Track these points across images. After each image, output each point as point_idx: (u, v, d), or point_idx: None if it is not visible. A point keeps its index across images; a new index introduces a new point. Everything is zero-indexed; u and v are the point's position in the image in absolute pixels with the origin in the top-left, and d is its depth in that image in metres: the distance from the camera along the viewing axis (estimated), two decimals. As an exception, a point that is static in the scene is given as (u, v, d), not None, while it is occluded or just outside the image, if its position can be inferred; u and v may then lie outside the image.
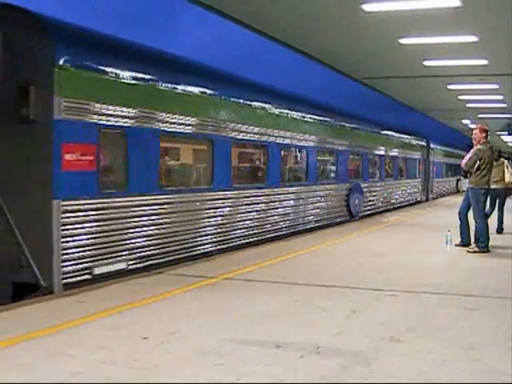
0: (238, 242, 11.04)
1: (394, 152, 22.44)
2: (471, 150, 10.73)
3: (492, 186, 13.20)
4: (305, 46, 14.10)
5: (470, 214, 10.69)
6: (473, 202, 10.54)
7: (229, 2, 10.54)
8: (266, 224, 12.24)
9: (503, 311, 6.25)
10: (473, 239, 10.63)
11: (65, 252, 7.14)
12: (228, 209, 10.74)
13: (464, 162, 10.73)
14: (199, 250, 9.83)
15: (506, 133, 32.85)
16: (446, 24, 11.31)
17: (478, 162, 10.44)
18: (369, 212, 18.90)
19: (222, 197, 10.49)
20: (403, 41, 12.77)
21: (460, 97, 21.65)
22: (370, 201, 19.22)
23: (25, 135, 7.05)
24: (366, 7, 10.14)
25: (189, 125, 9.49)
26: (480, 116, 27.38)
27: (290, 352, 4.72)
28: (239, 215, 11.14)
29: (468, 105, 23.98)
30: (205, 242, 10.03)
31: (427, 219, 17.72)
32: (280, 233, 12.75)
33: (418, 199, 26.59)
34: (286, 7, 10.65)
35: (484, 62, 14.83)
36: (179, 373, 4.25)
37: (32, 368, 4.30)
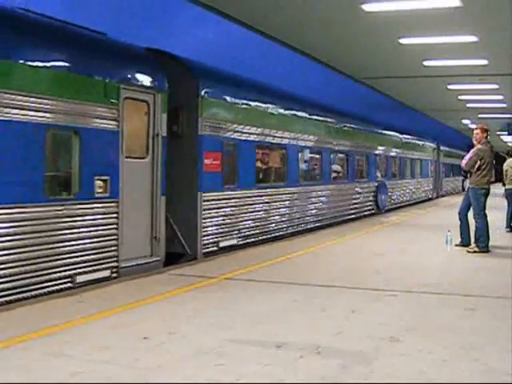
0: (310, 226, 14.20)
1: (411, 154, 25.39)
2: (471, 150, 10.73)
3: (508, 187, 13.89)
4: (304, 46, 14.10)
5: (470, 214, 10.70)
6: (473, 202, 10.53)
7: (229, 2, 10.54)
8: (324, 212, 15.28)
9: (503, 311, 6.25)
10: (473, 239, 10.63)
11: (203, 230, 9.87)
12: (296, 200, 13.67)
13: (464, 162, 10.71)
14: (282, 231, 12.80)
15: (506, 133, 32.85)
16: (446, 24, 11.30)
17: (479, 162, 10.43)
18: (391, 206, 21.41)
19: (293, 191, 13.45)
20: (403, 41, 12.76)
21: (460, 97, 21.63)
22: (392, 197, 22.05)
23: (176, 146, 9.39)
24: (366, 7, 10.13)
25: (272, 136, 12.42)
26: (480, 116, 27.36)
27: (290, 352, 4.72)
28: (305, 205, 14.19)
29: (468, 105, 23.96)
30: (284, 225, 12.94)
31: (427, 219, 17.73)
32: (334, 220, 15.83)
33: (430, 196, 29.36)
34: (285, 7, 10.65)
35: (484, 61, 14.82)
36: (179, 373, 4.25)
37: (32, 368, 4.30)
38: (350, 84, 19.04)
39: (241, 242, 10.98)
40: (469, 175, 10.69)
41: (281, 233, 12.70)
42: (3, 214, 6.44)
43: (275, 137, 12.57)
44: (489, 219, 10.57)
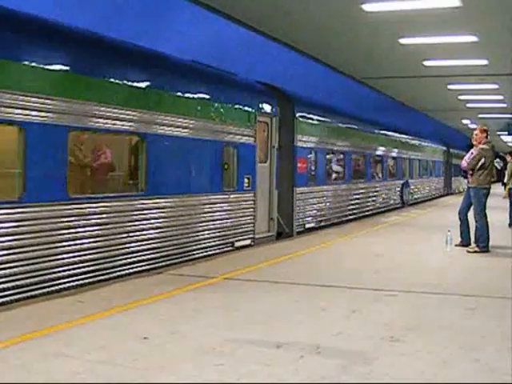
0: (363, 214, 18.54)
1: (428, 157, 29.39)
2: (472, 150, 10.70)
3: (511, 186, 14.29)
4: (304, 46, 14.11)
5: (470, 214, 10.69)
6: (474, 202, 10.50)
7: (227, 2, 10.53)
8: (369, 203, 19.54)
9: (503, 311, 6.26)
10: (473, 239, 10.62)
11: (296, 215, 13.48)
12: (352, 193, 17.72)
13: (465, 162, 10.65)
14: (345, 217, 16.79)
15: (506, 133, 32.86)
16: (446, 24, 11.30)
17: (482, 161, 10.39)
18: (413, 202, 24.96)
19: (350, 187, 17.52)
20: (403, 41, 12.76)
21: (460, 97, 21.63)
22: (413, 193, 25.69)
23: (279, 154, 12.76)
24: (366, 7, 10.12)
25: (335, 144, 16.25)
26: (480, 116, 27.35)
27: (289, 352, 4.72)
28: (358, 197, 18.28)
29: (468, 105, 23.95)
30: (345, 213, 16.86)
31: (427, 219, 17.72)
32: (377, 210, 19.98)
33: (442, 193, 33.04)
34: (285, 7, 10.64)
35: (484, 62, 14.82)
36: (179, 373, 4.25)
37: (31, 368, 4.29)
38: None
39: (317, 225, 14.65)
40: (469, 175, 10.64)
41: (344, 218, 16.56)
42: (203, 200, 9.98)
43: (338, 145, 16.47)
44: (489, 219, 10.56)
